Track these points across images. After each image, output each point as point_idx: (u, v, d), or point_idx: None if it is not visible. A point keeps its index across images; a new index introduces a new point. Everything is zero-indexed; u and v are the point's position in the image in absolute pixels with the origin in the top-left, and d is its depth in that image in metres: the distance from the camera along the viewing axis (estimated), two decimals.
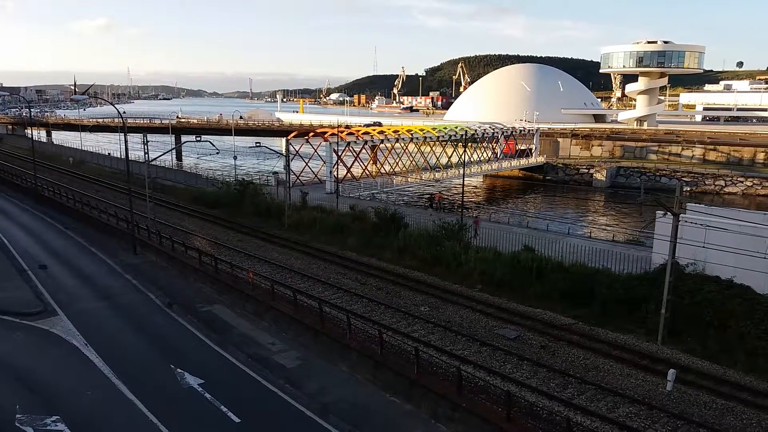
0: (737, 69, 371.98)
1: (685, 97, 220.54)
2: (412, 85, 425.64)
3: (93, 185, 69.43)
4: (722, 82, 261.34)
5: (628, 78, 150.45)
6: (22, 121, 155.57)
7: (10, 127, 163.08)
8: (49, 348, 24.98)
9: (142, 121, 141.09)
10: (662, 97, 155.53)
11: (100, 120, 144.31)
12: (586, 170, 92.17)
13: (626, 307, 27.33)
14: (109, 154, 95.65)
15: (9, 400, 20.27)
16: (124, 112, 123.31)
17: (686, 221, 26.67)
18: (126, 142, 43.40)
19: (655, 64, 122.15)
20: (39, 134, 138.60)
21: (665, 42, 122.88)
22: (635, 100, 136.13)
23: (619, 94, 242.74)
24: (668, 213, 25.68)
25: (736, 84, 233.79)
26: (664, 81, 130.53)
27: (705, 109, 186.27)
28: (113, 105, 55.16)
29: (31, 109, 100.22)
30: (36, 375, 22.32)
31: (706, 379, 21.87)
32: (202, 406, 20.12)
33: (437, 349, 24.15)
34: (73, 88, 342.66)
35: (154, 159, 51.33)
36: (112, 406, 20.13)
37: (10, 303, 29.59)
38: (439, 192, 72.76)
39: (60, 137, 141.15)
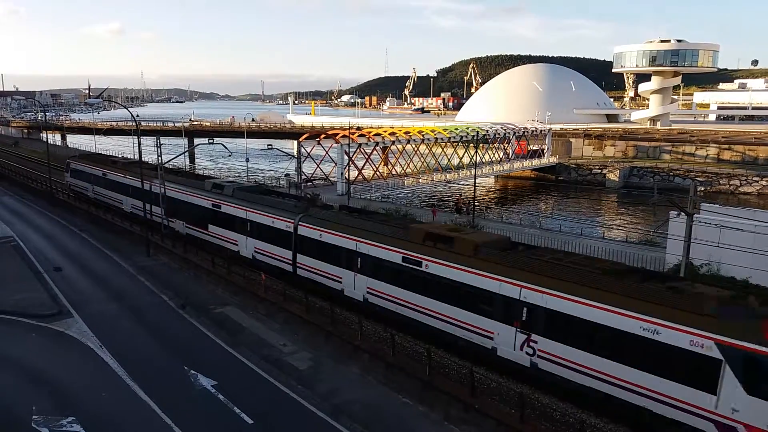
0: (752, 67, 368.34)
1: (699, 96, 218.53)
2: (424, 86, 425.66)
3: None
4: (737, 81, 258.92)
5: (641, 77, 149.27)
6: (37, 125, 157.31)
7: (25, 130, 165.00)
8: (64, 349, 25.24)
9: (155, 124, 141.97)
10: (676, 97, 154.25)
11: (114, 123, 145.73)
12: (599, 170, 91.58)
13: None
14: (122, 156, 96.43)
15: (25, 401, 20.50)
16: (138, 116, 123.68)
17: (700, 221, 26.43)
18: (140, 145, 43.75)
19: (669, 63, 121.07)
20: (54, 138, 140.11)
21: (679, 41, 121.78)
22: (648, 99, 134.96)
23: (632, 93, 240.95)
24: (682, 213, 25.47)
25: (750, 82, 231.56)
26: (678, 80, 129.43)
27: (719, 108, 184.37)
28: (127, 108, 55.62)
29: (47, 113, 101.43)
30: (51, 376, 22.55)
31: None
32: (216, 407, 20.23)
33: (449, 351, 24.04)
34: (87, 92, 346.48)
35: (168, 162, 51.68)
36: (127, 407, 20.29)
37: (26, 305, 29.92)
38: (460, 195, 72.16)
39: (75, 140, 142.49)
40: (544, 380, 20.64)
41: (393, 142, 79.41)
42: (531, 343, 20.85)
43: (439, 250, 24.50)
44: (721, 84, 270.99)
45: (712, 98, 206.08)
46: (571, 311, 19.42)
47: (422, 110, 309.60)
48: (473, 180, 56.88)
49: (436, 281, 24.11)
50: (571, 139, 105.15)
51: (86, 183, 57.93)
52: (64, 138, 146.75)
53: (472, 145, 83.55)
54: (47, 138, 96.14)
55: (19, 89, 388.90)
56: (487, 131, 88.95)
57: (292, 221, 32.08)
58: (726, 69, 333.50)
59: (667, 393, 17.40)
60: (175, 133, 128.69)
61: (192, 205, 41.19)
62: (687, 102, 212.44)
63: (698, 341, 16.57)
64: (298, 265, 32.05)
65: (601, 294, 18.91)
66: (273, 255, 33.76)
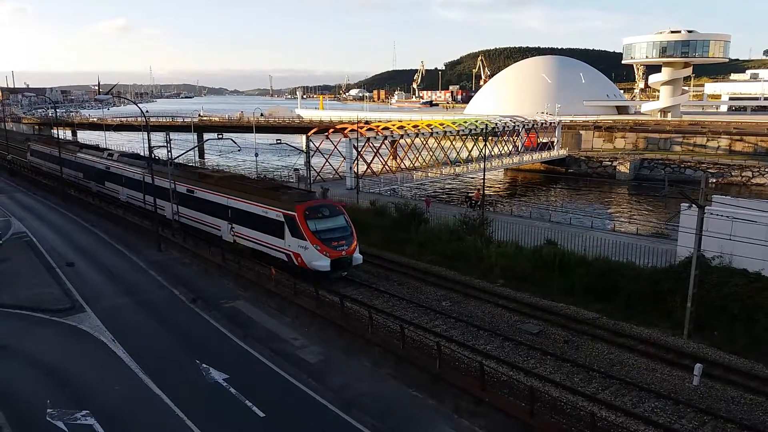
0: (764, 57, 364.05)
1: (710, 87, 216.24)
2: (432, 80, 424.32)
3: None
4: (748, 71, 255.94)
5: (652, 69, 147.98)
6: (48, 122, 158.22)
7: (36, 127, 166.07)
8: (77, 344, 25.49)
9: (164, 120, 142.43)
10: (686, 88, 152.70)
11: (124, 119, 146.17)
12: (609, 163, 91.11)
13: (651, 300, 27.04)
14: (65, 139, 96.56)
15: (40, 395, 20.75)
16: (147, 111, 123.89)
17: (712, 213, 26.25)
18: (149, 140, 43.90)
19: (679, 54, 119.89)
20: (65, 134, 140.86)
21: (689, 31, 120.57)
22: (659, 91, 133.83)
23: (642, 85, 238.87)
24: (693, 205, 25.32)
25: (763, 73, 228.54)
26: (689, 71, 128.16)
27: (731, 98, 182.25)
28: (136, 104, 55.89)
29: (57, 110, 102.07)
30: (65, 370, 22.80)
31: (733, 373, 21.57)
32: (227, 400, 20.38)
33: (459, 344, 24.14)
34: (97, 88, 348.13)
35: (177, 157, 51.82)
36: (140, 400, 20.49)
37: (39, 300, 30.23)
38: (478, 190, 71.46)
39: (85, 136, 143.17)
40: (239, 249, 36.71)
41: (401, 136, 79.37)
42: (233, 229, 37.27)
43: (202, 183, 41.09)
44: (732, 74, 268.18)
45: (723, 89, 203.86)
46: (242, 207, 36.11)
47: (431, 103, 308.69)
48: (482, 173, 56.77)
49: (200, 201, 40.47)
50: (581, 132, 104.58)
51: (39, 159, 74.26)
52: (74, 134, 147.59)
53: (480, 138, 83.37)
54: (58, 134, 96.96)
55: (30, 86, 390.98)
56: (496, 124, 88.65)
57: (142, 173, 47.10)
58: (738, 59, 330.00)
59: (273, 243, 33.65)
60: (184, 128, 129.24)
61: (96, 168, 57.15)
62: (698, 93, 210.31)
63: (277, 214, 33.05)
64: (146, 203, 45.99)
65: (251, 197, 35.57)
66: (136, 197, 48.97)
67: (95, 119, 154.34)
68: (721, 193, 46.88)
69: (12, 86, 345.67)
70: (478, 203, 53.88)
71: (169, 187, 42.76)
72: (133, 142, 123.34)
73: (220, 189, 38.40)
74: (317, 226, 31.66)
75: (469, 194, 67.37)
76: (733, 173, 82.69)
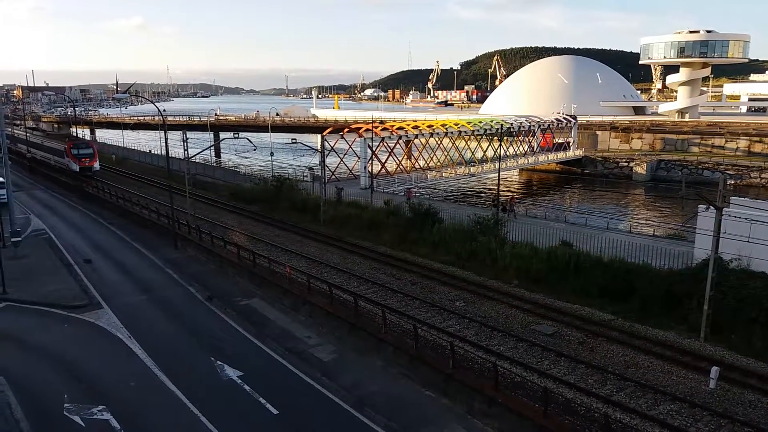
0: None
1: (729, 88, 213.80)
2: (447, 79, 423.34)
3: (135, 182, 71.20)
4: None
5: (669, 69, 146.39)
6: (67, 120, 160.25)
7: (55, 125, 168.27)
8: (94, 340, 25.82)
9: (181, 119, 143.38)
10: (705, 88, 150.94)
11: (141, 118, 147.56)
12: (626, 163, 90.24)
13: (667, 303, 26.80)
14: (150, 151, 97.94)
15: (58, 390, 21.05)
16: (164, 110, 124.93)
17: (730, 215, 25.94)
18: (166, 139, 44.35)
19: (698, 54, 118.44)
20: (83, 132, 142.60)
21: (708, 31, 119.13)
22: (676, 91, 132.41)
23: (659, 85, 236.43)
24: (711, 207, 25.06)
25: None
26: (707, 71, 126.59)
27: (750, 99, 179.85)
28: (153, 103, 56.40)
29: (76, 108, 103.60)
30: (83, 366, 23.11)
31: (751, 377, 21.31)
32: (241, 397, 20.53)
33: (473, 345, 24.09)
34: (115, 87, 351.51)
35: (194, 156, 52.31)
36: (155, 396, 20.71)
37: (57, 296, 30.66)
38: (513, 195, 69.96)
39: (103, 135, 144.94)
40: (57, 168, 78.36)
41: (416, 136, 79.30)
42: (55, 159, 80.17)
43: (53, 139, 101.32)
44: (752, 75, 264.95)
45: (742, 89, 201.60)
46: (56, 147, 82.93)
47: (446, 103, 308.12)
48: (497, 173, 56.56)
49: (53, 149, 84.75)
50: (597, 132, 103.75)
51: None
52: (93, 132, 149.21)
53: (496, 138, 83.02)
54: (76, 132, 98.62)
55: (50, 85, 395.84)
56: (512, 124, 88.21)
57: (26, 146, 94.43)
58: (757, 59, 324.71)
59: (63, 161, 76.26)
60: (201, 127, 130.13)
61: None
62: (717, 94, 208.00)
63: (61, 147, 79.11)
64: (43, 157, 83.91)
65: (58, 142, 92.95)
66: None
67: (113, 118, 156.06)
68: (740, 194, 46.33)
69: (32, 85, 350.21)
70: (510, 208, 52.79)
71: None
72: (150, 141, 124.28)
73: (51, 141, 64.15)
74: (74, 152, 70.67)
75: (495, 198, 66.81)
76: (751, 175, 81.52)
